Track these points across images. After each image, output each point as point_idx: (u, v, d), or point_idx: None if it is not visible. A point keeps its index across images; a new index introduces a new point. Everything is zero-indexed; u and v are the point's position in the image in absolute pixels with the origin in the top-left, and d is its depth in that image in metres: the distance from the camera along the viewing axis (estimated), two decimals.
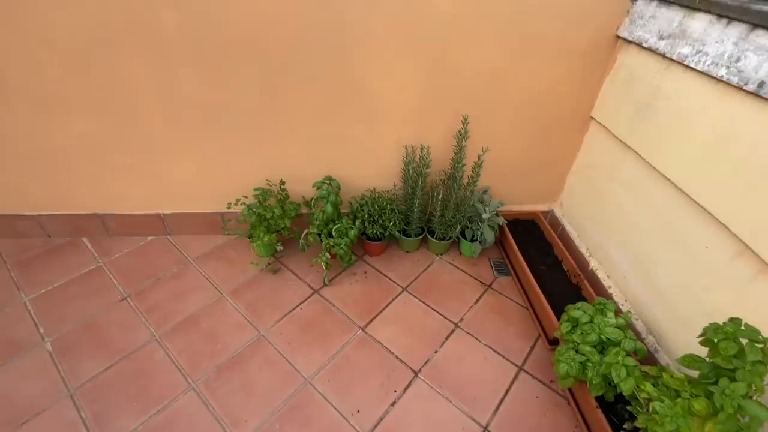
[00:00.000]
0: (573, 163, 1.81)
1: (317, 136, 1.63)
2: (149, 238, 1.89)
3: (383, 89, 1.53)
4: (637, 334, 1.39)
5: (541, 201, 1.97)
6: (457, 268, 1.84)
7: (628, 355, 1.07)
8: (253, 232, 1.65)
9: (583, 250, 1.74)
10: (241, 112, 1.53)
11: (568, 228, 1.85)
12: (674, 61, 1.24)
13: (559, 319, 1.43)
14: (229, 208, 1.66)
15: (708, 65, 1.09)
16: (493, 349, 1.50)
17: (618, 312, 1.27)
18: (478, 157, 1.57)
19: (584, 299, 1.55)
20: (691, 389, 0.86)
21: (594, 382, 1.09)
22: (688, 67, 1.19)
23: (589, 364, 1.12)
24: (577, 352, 1.19)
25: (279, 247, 1.69)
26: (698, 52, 1.13)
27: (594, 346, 1.17)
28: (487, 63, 1.49)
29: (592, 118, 1.66)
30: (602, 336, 1.15)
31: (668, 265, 1.31)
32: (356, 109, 1.56)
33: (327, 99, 1.53)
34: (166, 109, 1.51)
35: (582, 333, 1.20)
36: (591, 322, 1.21)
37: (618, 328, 1.17)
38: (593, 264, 1.67)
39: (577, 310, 1.25)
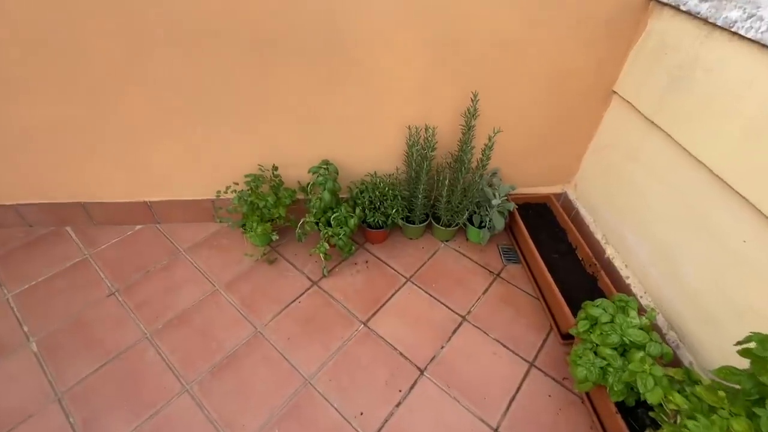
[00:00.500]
0: (590, 142, 1.67)
1: (312, 117, 1.48)
2: (137, 227, 1.78)
3: (383, 64, 1.37)
4: (658, 329, 1.31)
5: (554, 183, 1.85)
6: (464, 255, 1.74)
7: (653, 360, 0.99)
8: (246, 222, 1.54)
9: (598, 236, 1.63)
10: (226, 93, 1.39)
11: (583, 212, 1.74)
12: (718, 27, 1.08)
13: (573, 311, 1.34)
14: (218, 196, 1.54)
15: (762, 32, 0.94)
16: (502, 344, 1.42)
17: (641, 310, 1.17)
18: (489, 139, 1.43)
19: (600, 290, 1.46)
20: (730, 407, 0.78)
21: (615, 389, 1.01)
22: (735, 34, 1.03)
23: (611, 370, 1.03)
24: (596, 354, 1.11)
25: (274, 237, 1.59)
26: (750, 16, 0.97)
27: (615, 348, 1.08)
28: (499, 33, 1.32)
29: (615, 92, 1.50)
30: (625, 338, 1.06)
31: (695, 257, 1.20)
32: (354, 86, 1.41)
33: (321, 76, 1.37)
34: (144, 92, 1.37)
35: (602, 333, 1.11)
36: (612, 321, 1.12)
37: (642, 329, 1.08)
38: (609, 252, 1.56)
39: (597, 308, 1.16)
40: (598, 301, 1.20)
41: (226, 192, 1.55)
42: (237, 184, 1.56)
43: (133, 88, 1.35)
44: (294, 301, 1.52)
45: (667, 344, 1.16)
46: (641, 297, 1.40)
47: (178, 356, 1.34)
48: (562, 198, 1.86)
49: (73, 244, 1.69)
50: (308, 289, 1.57)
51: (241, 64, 1.32)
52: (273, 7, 1.21)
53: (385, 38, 1.31)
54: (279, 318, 1.47)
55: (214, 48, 1.28)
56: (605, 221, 1.61)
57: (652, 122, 1.32)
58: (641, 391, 0.94)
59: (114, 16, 1.19)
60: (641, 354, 1.02)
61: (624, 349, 1.10)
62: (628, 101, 1.44)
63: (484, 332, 1.46)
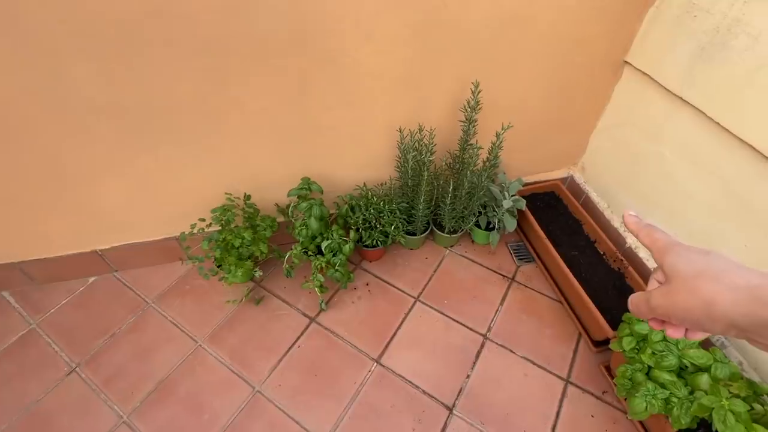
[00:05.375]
0: (598, 120, 1.50)
1: (284, 130, 1.23)
2: (90, 279, 1.50)
3: (363, 58, 1.12)
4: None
5: (558, 166, 1.68)
6: (473, 261, 1.57)
7: (726, 388, 0.86)
8: (222, 265, 1.30)
9: (615, 224, 1.49)
10: (171, 112, 1.11)
11: (594, 196, 1.59)
12: None
13: (602, 312, 1.21)
14: (183, 240, 1.28)
15: None
16: (531, 361, 1.29)
17: None
18: (497, 136, 1.23)
19: (630, 288, 1.33)
20: None
21: (682, 422, 0.89)
22: None
23: (675, 400, 0.91)
24: (648, 375, 0.98)
25: (258, 273, 1.36)
26: None
27: (672, 370, 0.95)
28: (498, 8, 1.09)
29: (627, 63, 1.32)
30: (685, 360, 0.93)
31: (740, 246, 1.08)
32: (330, 89, 1.16)
33: (290, 80, 1.11)
34: (66, 121, 1.07)
35: (654, 354, 0.97)
36: (665, 339, 0.98)
37: (700, 346, 0.95)
38: (631, 241, 1.43)
39: (644, 324, 1.02)
40: None
41: (192, 232, 1.29)
42: (204, 220, 1.30)
43: (48, 117, 1.05)
44: (292, 346, 1.32)
45: (739, 370, 1.04)
46: None
47: None
48: (568, 182, 1.71)
49: (14, 314, 1.40)
50: (306, 328, 1.37)
51: (184, 76, 1.04)
52: (217, 1, 0.93)
53: (363, 27, 1.05)
54: (278, 370, 1.27)
55: (145, 59, 0.99)
56: (623, 207, 1.47)
57: (679, 97, 1.15)
58: (719, 429, 0.82)
59: (8, 38, 0.88)
60: (706, 378, 0.90)
61: (681, 367, 0.97)
62: (644, 73, 1.26)
63: (510, 350, 1.32)
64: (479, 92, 1.18)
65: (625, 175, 1.43)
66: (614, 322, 1.18)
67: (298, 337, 1.34)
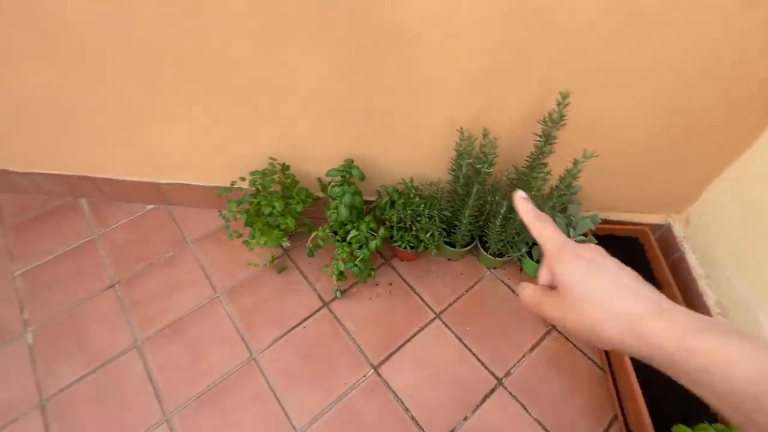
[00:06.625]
0: (728, 166, 1.15)
1: (334, 105, 1.14)
2: (149, 207, 1.63)
3: (435, 40, 0.95)
4: None
5: (653, 210, 1.36)
6: (514, 291, 1.38)
7: None
8: (252, 227, 1.29)
9: (710, 301, 1.17)
10: (226, 67, 1.08)
11: (691, 259, 1.26)
12: None
13: (650, 402, 0.97)
14: (219, 195, 1.30)
15: None
16: (544, 427, 1.11)
17: None
18: (575, 163, 1.00)
19: None
20: None
21: None
22: None
23: None
24: None
25: (285, 244, 1.33)
26: None
27: None
28: (613, 2, 0.84)
29: None
30: None
31: None
32: (389, 69, 1.02)
33: (347, 53, 1.00)
34: (135, 63, 1.10)
35: None
36: None
37: None
38: None
39: None
40: (705, 426, 0.83)
41: (230, 189, 1.29)
42: (244, 179, 1.30)
43: (121, 60, 1.09)
44: (298, 325, 1.30)
45: None
46: None
47: (165, 375, 1.20)
48: (662, 232, 1.38)
49: (84, 221, 1.58)
50: (317, 311, 1.33)
51: (242, 32, 0.99)
52: None
53: (441, 3, 0.89)
54: (278, 345, 1.26)
55: (211, 8, 0.95)
56: (729, 285, 1.14)
57: None
58: None
59: None
60: None
61: None
62: None
63: (524, 406, 1.14)
64: (567, 105, 0.95)
65: (745, 247, 1.10)
66: (662, 424, 0.94)
67: (306, 318, 1.32)
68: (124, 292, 1.38)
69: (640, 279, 0.35)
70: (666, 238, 1.36)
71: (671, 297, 1.15)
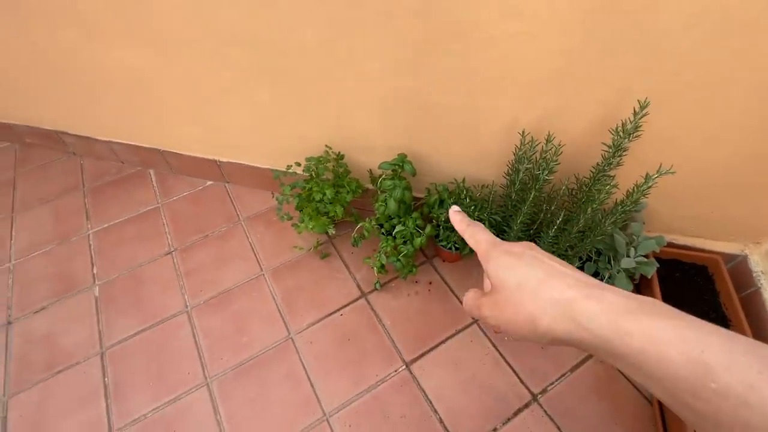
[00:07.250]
0: None
1: (393, 98, 1.14)
2: (208, 182, 1.73)
3: (503, 37, 0.92)
4: None
5: (727, 237, 1.24)
6: None
7: None
8: (302, 211, 1.33)
9: None
10: (291, 55, 1.11)
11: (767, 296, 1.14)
12: None
13: None
14: (275, 178, 1.35)
15: None
16: None
17: None
18: (646, 179, 0.93)
19: None
20: None
21: None
22: None
23: None
24: None
25: (331, 231, 1.36)
26: None
27: None
28: (709, 6, 0.76)
29: None
30: None
31: None
32: (451, 65, 1.00)
33: (409, 46, 0.99)
34: (209, 45, 1.16)
35: None
36: None
37: None
38: None
39: None
40: None
41: (286, 173, 1.34)
42: (299, 164, 1.33)
43: (196, 41, 1.16)
44: (336, 311, 1.33)
45: None
46: None
47: (210, 342, 1.28)
48: (736, 263, 1.25)
49: (151, 190, 1.71)
50: (355, 300, 1.35)
51: (311, 21, 1.01)
52: None
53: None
54: (315, 328, 1.29)
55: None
56: None
57: None
58: None
59: None
60: None
61: None
62: None
63: (558, 427, 1.09)
64: (644, 114, 0.89)
65: None
66: None
67: (344, 306, 1.34)
68: (180, 260, 1.48)
69: (574, 267, 0.34)
70: (740, 269, 1.23)
71: (741, 333, 1.05)
